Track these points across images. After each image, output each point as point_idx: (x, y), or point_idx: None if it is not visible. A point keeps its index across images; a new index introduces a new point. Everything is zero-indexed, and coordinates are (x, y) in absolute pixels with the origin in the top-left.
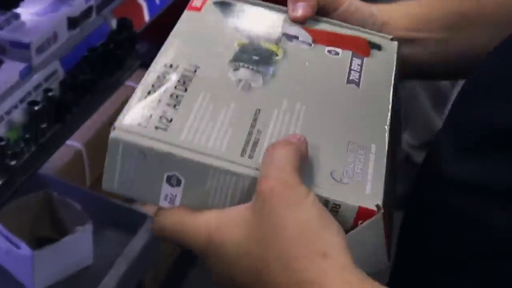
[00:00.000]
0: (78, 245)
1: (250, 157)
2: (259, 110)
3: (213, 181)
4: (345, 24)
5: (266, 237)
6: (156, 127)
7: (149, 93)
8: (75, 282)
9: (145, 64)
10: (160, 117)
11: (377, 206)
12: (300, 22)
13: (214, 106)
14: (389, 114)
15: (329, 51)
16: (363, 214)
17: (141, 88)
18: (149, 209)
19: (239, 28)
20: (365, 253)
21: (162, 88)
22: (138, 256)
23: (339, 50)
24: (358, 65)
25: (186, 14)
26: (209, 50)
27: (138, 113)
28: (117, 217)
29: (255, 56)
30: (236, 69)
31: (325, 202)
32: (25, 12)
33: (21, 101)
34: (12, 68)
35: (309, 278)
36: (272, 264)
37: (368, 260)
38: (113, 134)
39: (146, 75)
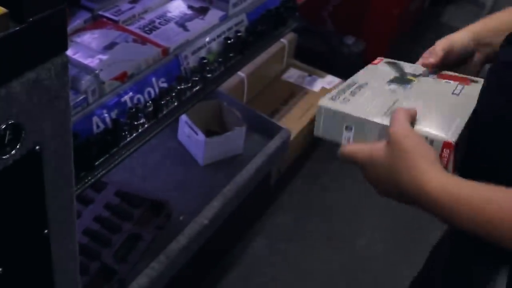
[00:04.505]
0: (235, 139)
1: (387, 115)
2: (397, 99)
3: (368, 127)
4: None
5: (397, 156)
6: (343, 99)
7: (343, 90)
8: (229, 163)
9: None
10: (344, 99)
11: (455, 142)
12: (429, 66)
13: (372, 94)
14: (471, 110)
15: (445, 81)
16: (446, 145)
17: (340, 87)
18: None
19: (397, 72)
20: None
21: (349, 89)
22: (271, 154)
23: (451, 81)
24: (461, 89)
25: (369, 66)
26: (377, 78)
27: (335, 95)
28: (261, 125)
29: (402, 81)
30: (389, 84)
31: (425, 138)
32: None
33: (218, 36)
34: (215, 14)
35: (420, 171)
36: (403, 170)
37: None
38: (319, 103)
39: (344, 83)
